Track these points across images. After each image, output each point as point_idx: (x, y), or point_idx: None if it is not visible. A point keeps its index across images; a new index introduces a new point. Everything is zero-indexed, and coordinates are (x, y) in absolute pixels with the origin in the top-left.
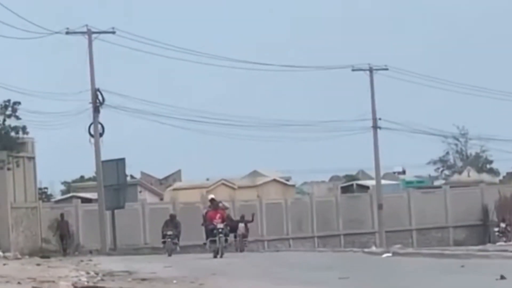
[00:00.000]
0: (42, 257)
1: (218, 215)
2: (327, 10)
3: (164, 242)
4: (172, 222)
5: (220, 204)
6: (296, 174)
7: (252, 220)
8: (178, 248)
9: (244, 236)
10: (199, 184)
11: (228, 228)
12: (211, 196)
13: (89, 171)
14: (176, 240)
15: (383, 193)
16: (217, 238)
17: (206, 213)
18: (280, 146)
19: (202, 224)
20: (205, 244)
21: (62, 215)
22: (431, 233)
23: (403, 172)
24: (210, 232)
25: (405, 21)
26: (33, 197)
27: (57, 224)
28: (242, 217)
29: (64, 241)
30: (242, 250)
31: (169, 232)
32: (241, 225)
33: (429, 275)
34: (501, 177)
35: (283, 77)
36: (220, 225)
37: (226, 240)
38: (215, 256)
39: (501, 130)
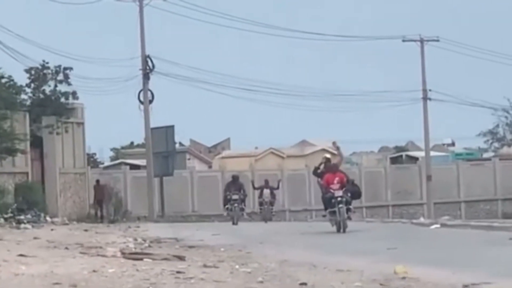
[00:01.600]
0: (90, 222)
1: (337, 179)
2: None
3: (228, 209)
4: (235, 184)
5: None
6: (345, 144)
7: (278, 188)
8: (245, 214)
9: (271, 203)
10: (247, 152)
11: (349, 194)
12: (326, 155)
13: (138, 137)
14: (242, 205)
15: (432, 165)
16: (336, 209)
17: (321, 176)
18: (329, 116)
19: (322, 192)
20: (324, 216)
21: (97, 180)
22: (479, 205)
23: (453, 144)
24: (328, 202)
25: None
26: (81, 162)
27: (94, 190)
28: (266, 182)
29: (102, 207)
30: (269, 219)
31: (234, 196)
32: (267, 191)
33: (477, 247)
34: None
35: (334, 47)
36: (339, 192)
37: (348, 210)
38: (338, 230)
39: None
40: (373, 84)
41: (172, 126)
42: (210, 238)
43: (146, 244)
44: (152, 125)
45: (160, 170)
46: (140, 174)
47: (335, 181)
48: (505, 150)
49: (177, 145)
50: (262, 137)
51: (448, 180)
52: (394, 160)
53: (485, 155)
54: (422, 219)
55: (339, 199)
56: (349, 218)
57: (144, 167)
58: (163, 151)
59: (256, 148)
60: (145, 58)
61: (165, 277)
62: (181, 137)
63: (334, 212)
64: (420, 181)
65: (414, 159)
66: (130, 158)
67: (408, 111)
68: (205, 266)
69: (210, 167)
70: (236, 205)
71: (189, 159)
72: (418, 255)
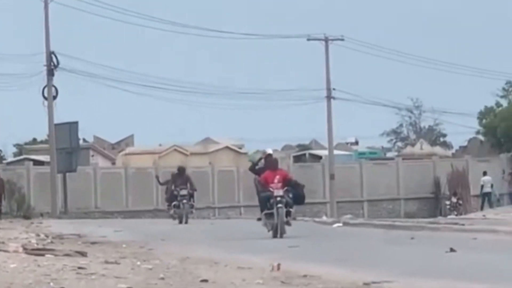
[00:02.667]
0: None
1: (278, 177)
2: None
3: (175, 206)
4: (181, 178)
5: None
6: (249, 142)
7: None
8: (193, 211)
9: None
10: (151, 149)
11: (290, 195)
12: (268, 150)
13: (42, 133)
14: (191, 201)
15: (335, 164)
16: (274, 210)
17: (259, 173)
18: (233, 114)
19: (257, 190)
20: (259, 219)
21: None
22: (382, 204)
23: (356, 143)
24: (265, 202)
25: None
26: None
27: None
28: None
29: (1, 202)
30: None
31: (183, 192)
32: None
33: (378, 246)
34: (453, 151)
35: (239, 46)
36: (279, 192)
37: (288, 213)
38: (274, 236)
39: (455, 104)
40: (277, 82)
41: (76, 122)
42: (113, 235)
43: (49, 240)
44: (56, 121)
45: (63, 166)
46: (44, 170)
47: (276, 180)
48: (408, 149)
49: (80, 142)
50: (166, 134)
51: (351, 179)
52: (298, 159)
53: (389, 155)
54: (324, 218)
55: (278, 199)
56: (288, 223)
57: (48, 163)
58: (67, 147)
59: (160, 145)
60: (50, 54)
61: (66, 273)
62: (85, 134)
63: (271, 214)
64: (323, 179)
65: (318, 157)
66: (33, 154)
67: (312, 110)
68: (106, 262)
69: (113, 163)
70: (184, 201)
71: (92, 155)
72: (319, 253)
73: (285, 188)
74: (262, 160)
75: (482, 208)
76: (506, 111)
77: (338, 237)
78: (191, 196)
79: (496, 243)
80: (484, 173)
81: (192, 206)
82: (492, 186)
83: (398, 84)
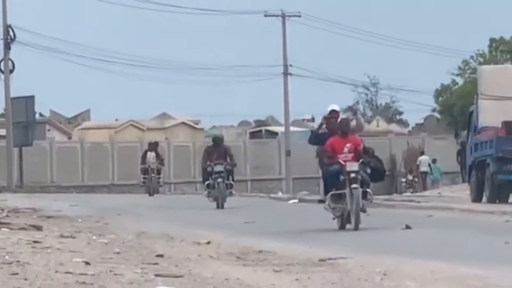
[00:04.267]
0: None
1: (349, 145)
2: None
3: (209, 186)
4: (218, 150)
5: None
6: (205, 118)
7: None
8: (233, 192)
9: (158, 171)
10: (107, 124)
11: (368, 170)
12: (332, 106)
13: None
14: (229, 180)
15: (291, 140)
16: (347, 191)
17: (323, 142)
18: (190, 90)
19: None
20: (321, 201)
21: None
22: None
23: (312, 120)
24: (333, 179)
25: None
26: None
27: None
28: (152, 145)
29: None
30: (155, 191)
31: (218, 168)
32: (151, 155)
33: (333, 222)
34: (410, 128)
35: (196, 21)
36: (353, 166)
37: (364, 195)
38: (342, 227)
39: (411, 81)
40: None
41: (33, 97)
42: (68, 209)
43: (4, 214)
44: (13, 95)
45: (19, 140)
46: None
47: (346, 149)
48: (365, 126)
49: (37, 116)
50: (122, 109)
51: (307, 155)
52: (254, 135)
53: None
54: (280, 194)
55: (352, 175)
56: (363, 209)
57: (4, 137)
58: (23, 121)
59: (116, 120)
60: (7, 28)
61: (21, 247)
62: (41, 108)
63: (340, 196)
64: (279, 156)
65: (274, 134)
66: None
67: (269, 86)
68: (62, 236)
69: (69, 138)
70: (220, 180)
71: (49, 130)
72: (275, 229)
73: (361, 160)
74: (324, 126)
75: (424, 188)
76: (462, 90)
77: (294, 214)
78: (229, 173)
79: (451, 220)
80: (422, 153)
81: (231, 186)
82: (429, 165)
83: (355, 61)
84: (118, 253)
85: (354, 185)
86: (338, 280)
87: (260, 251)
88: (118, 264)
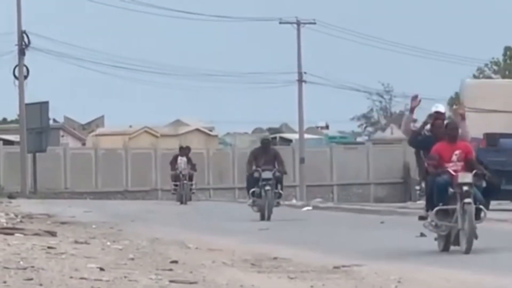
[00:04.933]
0: None
1: (458, 152)
2: None
3: (254, 194)
4: (266, 153)
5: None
6: (220, 125)
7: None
8: (280, 203)
9: (190, 177)
10: (121, 130)
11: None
12: (438, 108)
13: (12, 113)
14: (278, 189)
15: (305, 147)
16: (458, 207)
17: (426, 146)
18: (204, 96)
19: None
20: (422, 218)
21: None
22: (352, 189)
23: (327, 127)
24: (440, 191)
25: None
26: None
27: None
28: (183, 149)
29: None
30: (188, 199)
31: (266, 174)
32: (183, 160)
33: (348, 230)
34: None
35: (211, 27)
36: (466, 177)
37: (478, 214)
38: (444, 248)
39: (426, 89)
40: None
41: (47, 102)
42: (82, 215)
43: (18, 220)
44: (27, 101)
45: (33, 146)
46: (14, 149)
47: (455, 156)
48: (379, 134)
49: (51, 122)
50: (136, 115)
51: (321, 163)
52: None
53: (359, 139)
54: (294, 201)
55: (465, 188)
56: (474, 232)
57: (18, 143)
58: (37, 127)
59: (130, 126)
60: (21, 34)
61: (36, 252)
62: (56, 114)
63: (447, 212)
64: (293, 163)
65: (288, 141)
66: (3, 133)
67: (283, 93)
68: (76, 242)
69: (83, 144)
70: (268, 188)
71: (62, 136)
72: (289, 236)
73: (474, 171)
74: (428, 126)
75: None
76: None
77: (308, 221)
78: (278, 180)
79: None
80: None
81: (279, 196)
82: None
83: (369, 68)
84: (132, 259)
85: (467, 200)
86: (353, 287)
87: (275, 258)
88: (132, 270)
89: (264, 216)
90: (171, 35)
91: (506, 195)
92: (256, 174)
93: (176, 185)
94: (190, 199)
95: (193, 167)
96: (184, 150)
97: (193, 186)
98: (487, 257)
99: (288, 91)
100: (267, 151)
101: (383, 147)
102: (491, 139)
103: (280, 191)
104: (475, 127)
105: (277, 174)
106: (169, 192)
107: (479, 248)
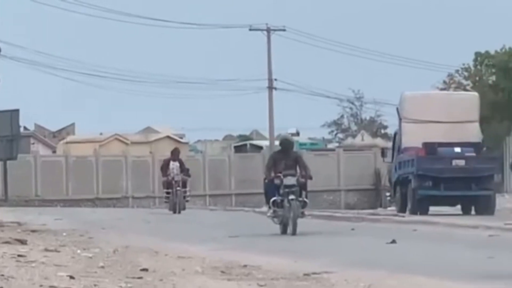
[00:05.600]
0: None
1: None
2: None
3: (275, 204)
4: (287, 157)
5: None
6: (190, 132)
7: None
8: (305, 214)
9: (183, 183)
10: (92, 138)
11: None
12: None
13: None
14: (303, 197)
15: None
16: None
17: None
18: (174, 103)
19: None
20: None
21: None
22: (322, 195)
23: (297, 134)
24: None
25: None
26: None
27: None
28: (175, 154)
29: None
30: (182, 208)
31: (289, 181)
32: (175, 165)
33: (319, 236)
34: None
35: (182, 35)
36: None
37: None
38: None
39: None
40: (219, 72)
41: (17, 110)
42: (53, 223)
43: None
44: None
45: (4, 154)
46: None
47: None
48: (349, 141)
49: (21, 129)
50: (107, 123)
51: None
52: (239, 149)
53: (330, 146)
54: (264, 208)
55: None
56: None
57: None
58: (8, 135)
59: (101, 134)
60: None
61: (6, 261)
62: (26, 121)
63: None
64: (263, 170)
65: (259, 148)
66: None
67: (254, 100)
68: (46, 250)
69: (54, 152)
70: (293, 197)
71: (33, 143)
72: (259, 243)
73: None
74: None
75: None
76: None
77: (277, 227)
78: (302, 188)
79: (435, 235)
80: None
81: (304, 205)
82: None
83: (339, 75)
84: (103, 267)
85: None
86: None
87: (245, 266)
88: (102, 278)
89: (287, 229)
90: (142, 42)
91: (445, 201)
92: (277, 181)
93: (168, 193)
94: (184, 208)
95: (186, 172)
96: (176, 154)
97: (187, 193)
98: (450, 263)
99: (258, 98)
100: (288, 154)
101: (353, 154)
102: (430, 148)
103: (305, 200)
104: (414, 137)
105: (301, 180)
106: (140, 200)
107: (440, 253)
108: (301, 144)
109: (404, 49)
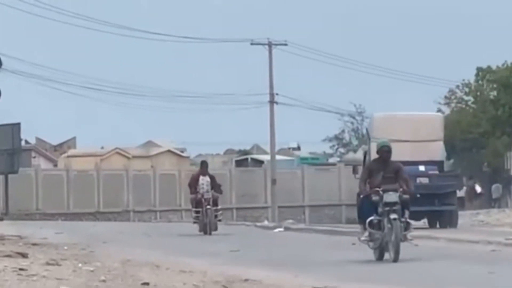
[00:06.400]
0: None
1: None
2: None
3: (369, 224)
4: (387, 167)
5: None
6: (191, 146)
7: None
8: (409, 237)
9: (214, 201)
10: (93, 152)
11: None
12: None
13: None
14: (406, 216)
15: (277, 169)
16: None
17: None
18: (175, 117)
19: None
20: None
21: None
22: (323, 210)
23: (298, 148)
24: None
25: None
26: None
27: None
28: (204, 165)
29: None
30: (213, 229)
31: (391, 198)
32: (205, 180)
33: (320, 251)
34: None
35: (183, 48)
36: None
37: None
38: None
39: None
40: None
41: (18, 124)
42: (54, 236)
43: None
44: None
45: (5, 167)
46: None
47: None
48: (350, 155)
49: (22, 143)
50: (108, 137)
51: (293, 184)
52: (240, 163)
53: (331, 160)
54: (266, 222)
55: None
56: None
57: None
58: (9, 148)
59: (102, 147)
60: None
61: (7, 274)
62: (27, 135)
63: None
64: (265, 184)
65: (260, 162)
66: None
67: (255, 114)
68: (47, 263)
69: (55, 165)
70: (395, 216)
71: (34, 157)
72: (261, 257)
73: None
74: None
75: None
76: (448, 119)
77: (280, 242)
78: (404, 205)
79: (437, 250)
80: None
81: (406, 226)
82: None
83: (341, 89)
84: (104, 281)
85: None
86: None
87: (246, 280)
88: None
89: (383, 254)
90: (143, 56)
91: (410, 216)
92: (375, 197)
93: (197, 212)
94: (216, 229)
95: (218, 188)
96: (205, 168)
97: (219, 213)
98: (451, 278)
99: (259, 112)
100: (387, 165)
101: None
102: None
103: (407, 219)
104: None
105: (404, 196)
106: (141, 213)
107: (441, 268)
108: (302, 159)
109: (406, 64)
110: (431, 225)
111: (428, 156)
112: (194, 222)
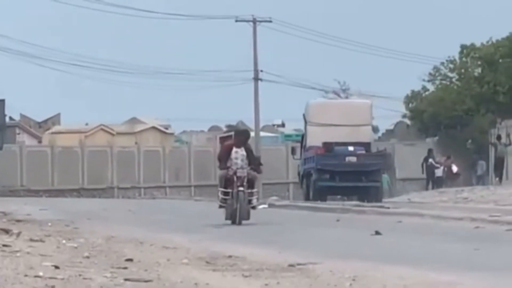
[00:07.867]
0: None
1: None
2: None
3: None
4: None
5: None
6: (175, 123)
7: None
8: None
9: (249, 182)
10: (77, 128)
11: None
12: None
13: None
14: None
15: (261, 145)
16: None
17: None
18: (160, 94)
19: None
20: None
21: None
22: None
23: (283, 125)
24: None
25: None
26: None
27: None
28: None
29: None
30: (244, 218)
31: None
32: (240, 153)
33: (304, 227)
34: (380, 134)
35: (167, 25)
36: None
37: None
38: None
39: (382, 87)
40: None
41: (3, 100)
42: (38, 213)
43: None
44: None
45: None
46: None
47: None
48: None
49: (7, 119)
50: (92, 113)
51: (277, 161)
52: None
53: None
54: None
55: None
56: None
57: None
58: None
59: (87, 124)
60: None
61: None
62: (11, 111)
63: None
64: None
65: None
66: None
67: (240, 91)
68: (31, 240)
69: (40, 142)
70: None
71: (18, 133)
72: (244, 234)
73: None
74: None
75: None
76: (432, 96)
77: (264, 219)
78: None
79: (420, 227)
80: None
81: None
82: None
83: (325, 66)
84: (88, 257)
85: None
86: (307, 285)
87: (230, 256)
88: (87, 268)
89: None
90: (127, 33)
91: (340, 191)
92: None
93: (226, 193)
94: (248, 217)
95: (257, 166)
96: (242, 137)
97: (254, 197)
98: (435, 254)
99: (244, 89)
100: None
101: None
102: (328, 147)
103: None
104: (317, 137)
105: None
106: (125, 190)
107: (425, 245)
108: (286, 136)
109: (390, 41)
110: (360, 200)
111: (357, 138)
112: (220, 206)
